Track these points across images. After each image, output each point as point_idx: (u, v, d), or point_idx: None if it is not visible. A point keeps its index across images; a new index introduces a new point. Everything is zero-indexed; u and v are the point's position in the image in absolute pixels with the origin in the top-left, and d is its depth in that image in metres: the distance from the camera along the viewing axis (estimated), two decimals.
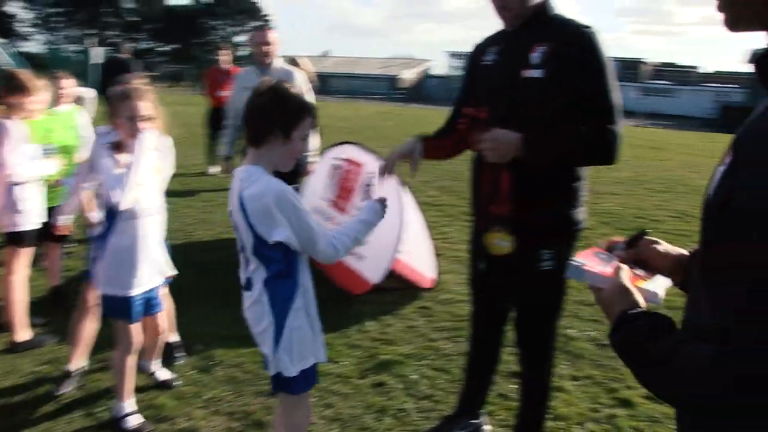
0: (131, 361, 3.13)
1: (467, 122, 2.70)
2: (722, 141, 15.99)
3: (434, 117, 23.86)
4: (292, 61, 8.97)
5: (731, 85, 54.47)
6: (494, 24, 2.66)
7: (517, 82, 2.48)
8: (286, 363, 2.27)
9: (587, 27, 2.47)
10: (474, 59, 2.80)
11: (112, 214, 2.98)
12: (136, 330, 3.12)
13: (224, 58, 10.13)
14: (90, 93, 6.92)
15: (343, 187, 5.63)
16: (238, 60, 10.70)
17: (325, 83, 27.96)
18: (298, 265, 2.30)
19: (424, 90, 54.57)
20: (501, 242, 2.59)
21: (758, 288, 0.91)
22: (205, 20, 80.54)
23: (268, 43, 5.15)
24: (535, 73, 2.44)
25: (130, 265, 3.04)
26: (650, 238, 1.49)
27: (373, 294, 4.89)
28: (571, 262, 1.41)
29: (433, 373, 3.81)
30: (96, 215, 3.33)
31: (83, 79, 12.94)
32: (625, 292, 1.26)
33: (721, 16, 1.08)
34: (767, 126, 0.92)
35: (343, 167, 5.72)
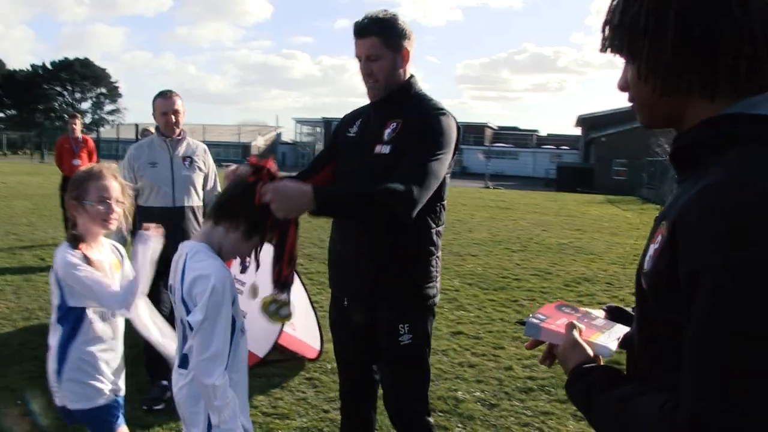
0: None
1: (254, 174, 2.23)
2: (564, 199, 17.49)
3: None
4: (144, 131, 8.82)
5: (564, 147, 59.40)
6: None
7: (370, 156, 2.59)
8: None
9: (439, 108, 2.62)
10: (340, 128, 2.90)
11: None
12: None
13: (76, 127, 9.76)
14: None
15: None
16: (85, 128, 10.31)
17: None
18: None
19: (276, 156, 55.15)
20: (274, 309, 2.44)
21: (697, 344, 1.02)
22: (48, 86, 76.80)
23: (177, 111, 4.45)
24: (385, 149, 2.57)
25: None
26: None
27: (259, 367, 4.79)
28: (531, 319, 1.48)
29: None
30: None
31: None
32: (578, 347, 1.36)
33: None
34: (699, 210, 1.05)
35: None
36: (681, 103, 1.17)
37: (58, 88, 78.13)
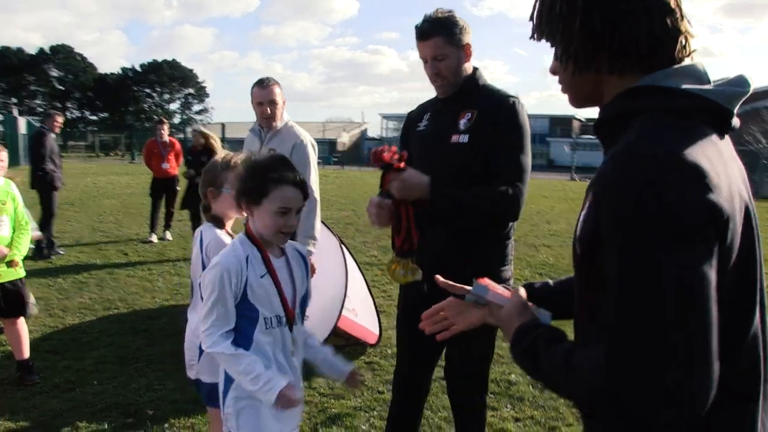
0: None
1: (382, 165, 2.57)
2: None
3: (371, 178, 24.25)
4: (202, 134, 9.15)
5: None
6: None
7: (446, 145, 2.72)
8: None
9: (511, 96, 2.74)
10: (408, 126, 3.04)
11: None
12: None
13: (164, 132, 10.34)
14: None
15: None
16: (174, 128, 10.83)
17: None
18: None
19: (362, 152, 55.46)
20: (401, 272, 2.67)
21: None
22: (137, 88, 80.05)
23: (273, 102, 4.23)
24: (463, 138, 2.69)
25: None
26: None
27: None
28: (478, 282, 1.59)
29: (382, 423, 3.93)
30: None
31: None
32: (524, 308, 1.45)
33: (565, 97, 1.39)
34: (601, 178, 1.16)
35: None
36: (597, 81, 1.29)
37: (147, 90, 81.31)
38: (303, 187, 2.26)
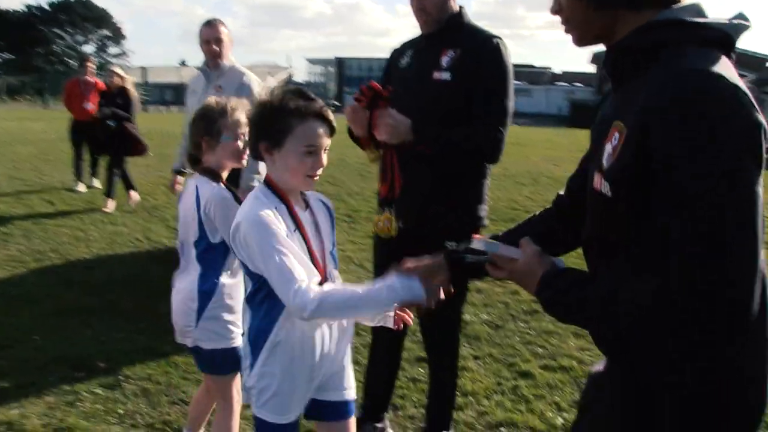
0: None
1: (367, 98, 2.61)
2: (576, 135, 17.27)
3: None
4: (118, 75, 8.67)
5: (579, 84, 58.54)
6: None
7: (428, 83, 2.69)
8: None
9: (495, 37, 2.72)
10: (391, 61, 3.00)
11: None
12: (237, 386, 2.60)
13: (89, 69, 9.75)
14: None
15: None
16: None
17: (182, 94, 27.00)
18: None
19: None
20: (386, 223, 2.74)
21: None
22: (45, 28, 75.50)
23: (219, 40, 4.52)
24: (444, 76, 2.66)
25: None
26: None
27: None
28: (480, 239, 1.60)
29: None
30: None
31: None
32: (542, 256, 1.46)
33: (569, 36, 1.40)
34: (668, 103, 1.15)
35: None
36: (613, 17, 1.32)
37: (57, 30, 76.78)
38: (329, 120, 1.95)
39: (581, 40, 1.40)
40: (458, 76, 2.65)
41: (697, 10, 1.27)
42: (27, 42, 72.69)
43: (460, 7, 2.79)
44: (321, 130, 1.92)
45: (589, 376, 1.64)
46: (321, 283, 1.90)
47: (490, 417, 3.34)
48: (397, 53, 2.99)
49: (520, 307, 4.96)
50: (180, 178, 4.83)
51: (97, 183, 9.97)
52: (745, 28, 1.30)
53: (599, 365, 1.55)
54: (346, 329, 2.09)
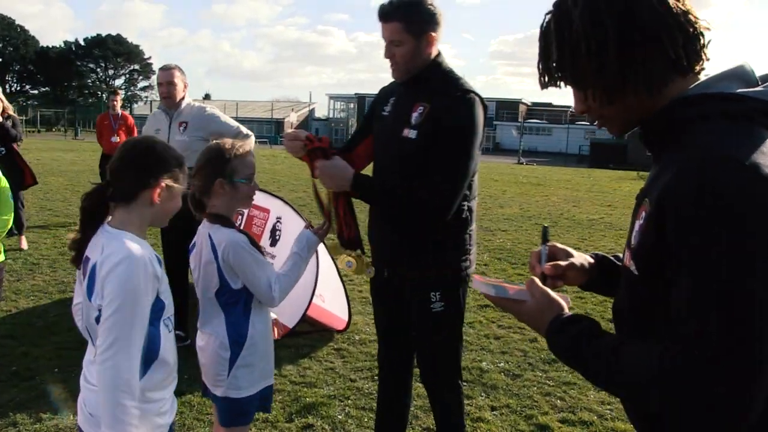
0: None
1: (311, 146, 2.70)
2: (596, 175, 17.19)
3: None
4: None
5: None
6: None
7: (398, 140, 2.67)
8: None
9: (468, 92, 2.62)
10: (375, 104, 2.97)
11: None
12: None
13: (117, 103, 9.95)
14: None
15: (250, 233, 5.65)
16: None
17: None
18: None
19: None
20: (348, 263, 2.78)
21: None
22: (81, 63, 77.58)
23: (171, 83, 4.88)
24: (411, 134, 2.63)
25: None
26: (561, 246, 1.70)
27: (289, 338, 4.92)
28: (488, 282, 1.55)
29: (358, 412, 3.89)
30: None
31: None
32: (551, 300, 1.41)
33: (605, 130, 1.40)
34: (682, 189, 1.12)
35: (246, 213, 5.74)
36: (633, 102, 1.28)
37: (91, 65, 78.87)
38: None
39: (620, 131, 1.38)
40: (422, 134, 2.60)
41: (740, 75, 1.23)
42: (63, 76, 74.75)
43: (438, 53, 2.70)
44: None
45: None
46: None
47: None
48: (383, 95, 2.92)
49: (538, 356, 4.89)
50: None
51: None
52: None
53: None
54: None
